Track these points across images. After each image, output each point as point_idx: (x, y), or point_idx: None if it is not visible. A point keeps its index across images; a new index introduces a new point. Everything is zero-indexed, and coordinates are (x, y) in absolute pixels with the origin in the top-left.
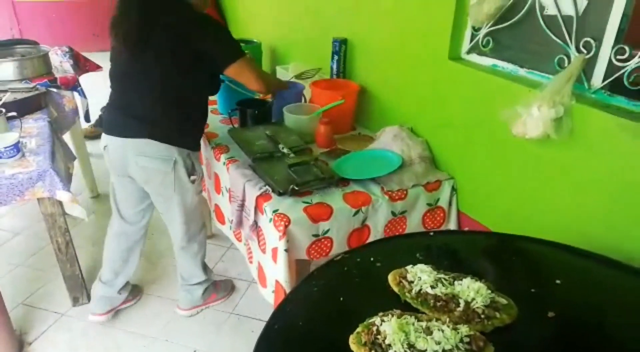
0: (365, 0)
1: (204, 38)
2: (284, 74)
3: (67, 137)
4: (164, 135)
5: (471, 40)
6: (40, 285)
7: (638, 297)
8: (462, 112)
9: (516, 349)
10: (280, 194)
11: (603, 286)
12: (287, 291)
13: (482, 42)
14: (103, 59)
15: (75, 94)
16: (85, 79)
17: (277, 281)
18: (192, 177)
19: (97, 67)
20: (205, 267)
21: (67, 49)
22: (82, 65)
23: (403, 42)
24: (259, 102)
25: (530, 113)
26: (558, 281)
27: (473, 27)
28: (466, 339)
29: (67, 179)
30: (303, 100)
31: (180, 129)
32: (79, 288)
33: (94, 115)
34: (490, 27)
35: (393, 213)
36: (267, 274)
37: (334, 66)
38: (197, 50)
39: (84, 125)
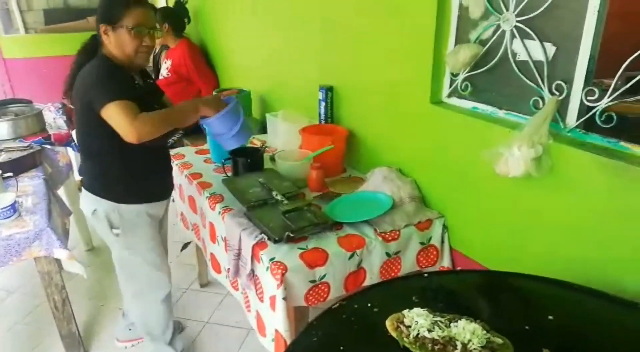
0: (350, 50)
1: (89, 86)
2: (274, 121)
3: (61, 191)
4: (88, 185)
5: (450, 85)
6: (37, 343)
7: (629, 328)
8: (447, 152)
9: None
10: (276, 242)
11: (594, 319)
12: (287, 340)
13: (460, 86)
14: None
15: (69, 149)
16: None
17: (276, 330)
18: (115, 231)
19: None
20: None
21: (59, 105)
22: (74, 120)
23: (386, 89)
24: (252, 150)
25: (511, 153)
26: (550, 317)
27: (451, 73)
28: None
29: (64, 236)
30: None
31: (102, 182)
32: (77, 346)
33: None
34: (467, 73)
35: (387, 254)
36: (266, 323)
37: (322, 112)
38: (89, 100)
39: (77, 177)
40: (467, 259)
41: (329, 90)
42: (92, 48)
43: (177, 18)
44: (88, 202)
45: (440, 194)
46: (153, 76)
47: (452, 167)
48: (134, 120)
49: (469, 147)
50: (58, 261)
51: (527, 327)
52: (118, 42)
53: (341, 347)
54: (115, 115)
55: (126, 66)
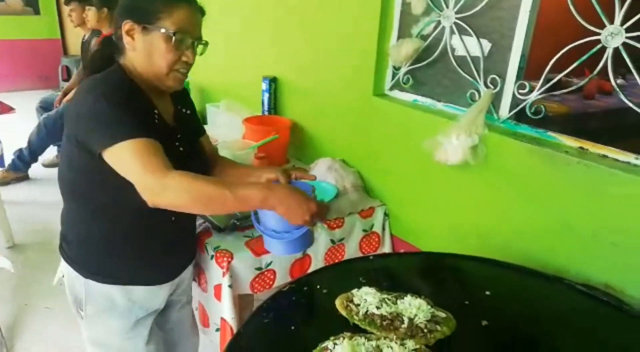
0: (294, 42)
1: (86, 117)
2: (215, 112)
3: None
4: (60, 237)
5: (393, 78)
6: None
7: (554, 302)
8: (389, 143)
9: None
10: (220, 230)
11: (526, 293)
12: (234, 327)
13: (402, 79)
14: (14, 99)
15: None
16: None
17: (222, 319)
18: (81, 312)
19: (9, 109)
20: None
21: None
22: None
23: (330, 80)
24: None
25: (450, 142)
26: (487, 293)
27: (394, 67)
28: None
29: None
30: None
31: (69, 239)
32: (0, 348)
33: (8, 160)
34: (409, 66)
35: (332, 241)
36: (210, 313)
37: (265, 103)
38: (81, 136)
39: None
40: (407, 244)
41: (272, 81)
42: (109, 53)
43: (117, 3)
44: (61, 263)
45: (382, 183)
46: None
47: (394, 157)
48: (162, 176)
49: (410, 138)
50: None
51: (467, 303)
52: (148, 51)
53: (292, 327)
54: (131, 161)
55: (149, 88)
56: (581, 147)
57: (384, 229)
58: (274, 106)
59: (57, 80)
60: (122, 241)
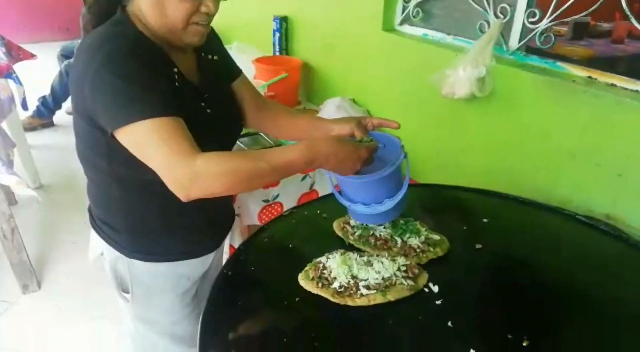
0: None
1: (91, 81)
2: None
3: (4, 126)
4: (92, 215)
5: (403, 12)
6: None
7: (552, 230)
8: (398, 80)
9: (448, 275)
10: None
11: (524, 221)
12: None
13: (412, 13)
14: (34, 51)
15: (10, 81)
16: (20, 68)
17: (230, 246)
18: (125, 294)
19: (31, 56)
20: None
21: None
22: (15, 54)
23: (339, 17)
24: None
25: (457, 74)
26: (485, 220)
27: (404, 0)
28: (403, 268)
29: (8, 165)
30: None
31: (107, 221)
32: (29, 275)
33: (32, 105)
34: None
35: None
36: None
37: (276, 43)
38: (90, 108)
39: (22, 116)
40: (412, 181)
41: (283, 20)
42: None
43: None
44: (95, 237)
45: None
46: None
47: (402, 94)
48: (190, 164)
49: (418, 73)
50: (4, 187)
51: (464, 228)
52: (158, 2)
53: (290, 246)
54: (149, 147)
55: (164, 40)
56: (589, 77)
57: None
58: (285, 47)
59: (77, 32)
60: (169, 220)
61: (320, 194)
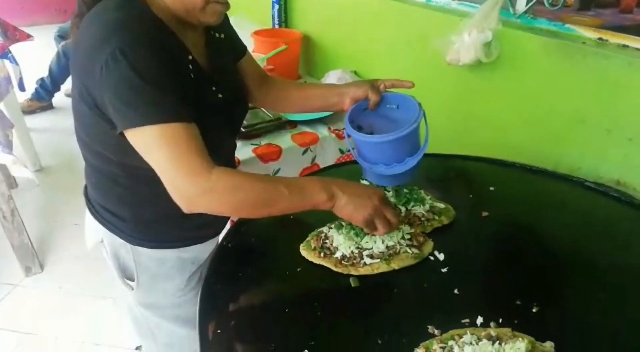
0: None
1: (98, 70)
2: None
3: (2, 108)
4: (91, 201)
5: None
6: None
7: (559, 197)
8: (401, 49)
9: (453, 243)
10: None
11: (531, 189)
12: None
13: None
14: (31, 33)
15: (6, 61)
16: (16, 51)
17: (231, 221)
18: (130, 282)
19: (27, 37)
20: None
21: None
22: (11, 34)
23: None
24: None
25: (462, 40)
26: (492, 188)
27: None
28: (407, 237)
29: (7, 145)
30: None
31: (108, 207)
32: (30, 257)
33: (30, 88)
34: None
35: (341, 151)
36: None
37: (275, 15)
38: (94, 97)
39: (21, 99)
40: None
41: None
42: None
43: None
44: (92, 224)
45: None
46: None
47: (406, 64)
48: (201, 179)
49: (422, 41)
50: (2, 169)
51: (470, 196)
52: None
53: (291, 217)
54: (158, 155)
55: (176, 21)
56: (600, 38)
57: None
58: (285, 19)
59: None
60: (170, 208)
61: (322, 167)
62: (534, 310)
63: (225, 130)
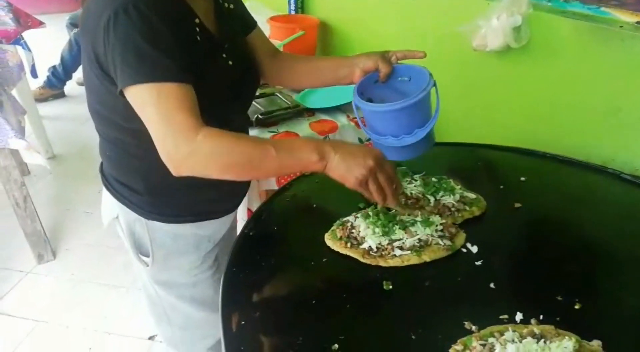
0: None
1: (96, 36)
2: None
3: (14, 94)
4: (105, 175)
5: None
6: (1, 246)
7: (594, 190)
8: (424, 34)
9: (486, 235)
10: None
11: (566, 181)
12: None
13: None
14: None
15: (19, 48)
16: (29, 38)
17: (249, 210)
18: (145, 258)
19: (40, 24)
20: None
21: (5, 4)
22: (23, 21)
23: None
24: None
25: (490, 24)
26: (523, 178)
27: None
28: (440, 228)
29: (19, 131)
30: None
31: (122, 180)
32: (43, 244)
33: (42, 76)
34: None
35: (360, 140)
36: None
37: (292, 1)
38: (101, 60)
39: (33, 86)
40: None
41: None
42: None
43: None
44: (108, 200)
45: None
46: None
47: (429, 50)
48: (188, 140)
49: (447, 26)
50: (15, 156)
51: (501, 187)
52: None
53: (314, 205)
54: (151, 112)
55: None
56: (638, 22)
57: None
58: (301, 5)
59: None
60: (185, 178)
61: None
62: (576, 307)
63: (235, 103)
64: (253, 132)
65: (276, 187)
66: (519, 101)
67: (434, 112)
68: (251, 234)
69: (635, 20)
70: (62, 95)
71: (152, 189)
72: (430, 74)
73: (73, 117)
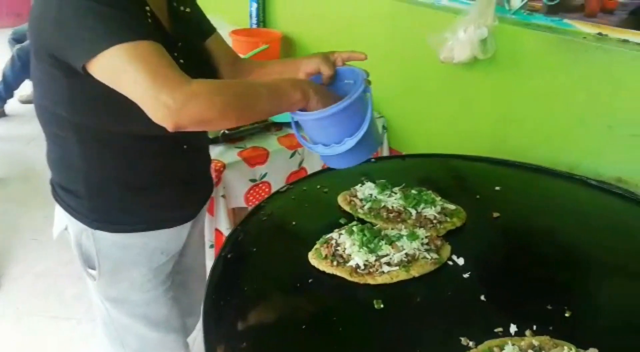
0: None
1: (45, 26)
2: None
3: None
4: (53, 184)
5: None
6: None
7: (564, 196)
8: (390, 48)
9: (470, 246)
10: (210, 142)
11: (538, 189)
12: None
13: None
14: None
15: None
16: None
17: (217, 231)
18: (92, 271)
19: None
20: None
21: None
22: None
23: None
24: None
25: (456, 37)
26: (497, 188)
27: None
28: (425, 241)
29: None
30: None
31: (69, 187)
32: None
33: None
34: None
35: None
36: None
37: (253, 14)
38: (49, 47)
39: None
40: (394, 152)
41: None
42: None
43: None
44: (58, 211)
45: (380, 94)
46: None
47: (397, 64)
48: (182, 84)
49: (412, 40)
50: None
51: (478, 197)
52: None
53: (293, 223)
54: (129, 72)
55: None
56: (600, 33)
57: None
58: (263, 19)
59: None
60: (134, 179)
61: (309, 171)
62: (566, 315)
63: None
64: (219, 148)
65: (244, 205)
66: (487, 112)
67: (366, 117)
68: (229, 256)
69: (596, 31)
70: (2, 114)
71: (93, 190)
72: (366, 79)
73: (16, 137)
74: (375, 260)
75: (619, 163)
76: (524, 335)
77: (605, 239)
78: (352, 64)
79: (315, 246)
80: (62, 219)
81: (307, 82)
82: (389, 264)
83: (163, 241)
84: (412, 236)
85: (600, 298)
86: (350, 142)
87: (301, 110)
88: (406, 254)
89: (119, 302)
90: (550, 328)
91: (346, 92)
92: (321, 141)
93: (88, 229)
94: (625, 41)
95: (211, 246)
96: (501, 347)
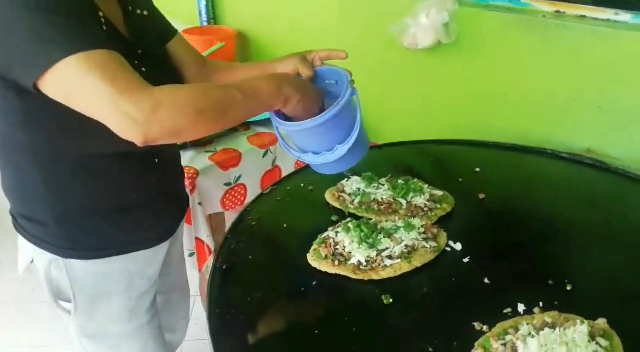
0: None
1: (3, 35)
2: None
3: None
4: (14, 216)
5: None
6: None
7: (538, 170)
8: (352, 39)
9: (464, 230)
10: (179, 148)
11: (515, 166)
12: (211, 245)
13: None
14: None
15: None
16: None
17: (197, 239)
18: (66, 304)
19: None
20: None
21: None
22: None
23: None
24: None
25: (418, 22)
26: (477, 169)
27: None
28: (421, 230)
29: None
30: None
31: (32, 216)
32: None
33: None
34: None
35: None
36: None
37: (202, 12)
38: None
39: None
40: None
41: None
42: None
43: None
44: (21, 244)
45: None
46: None
47: (359, 54)
48: (146, 93)
49: (374, 28)
50: None
51: (460, 180)
52: None
53: (285, 225)
54: (86, 84)
55: None
56: (557, 11)
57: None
58: (213, 16)
59: None
60: (103, 201)
61: (283, 169)
62: (568, 288)
63: None
64: (189, 154)
65: (221, 209)
66: (455, 95)
67: (356, 121)
68: (224, 267)
69: (554, 9)
70: None
71: (60, 217)
72: (350, 81)
73: None
74: (377, 254)
75: (587, 134)
76: (533, 313)
77: (582, 208)
78: (331, 63)
79: (313, 247)
80: (26, 251)
81: (284, 78)
82: (390, 257)
83: (141, 264)
84: (409, 227)
85: (592, 267)
86: (342, 149)
87: (281, 111)
88: (406, 245)
89: (98, 337)
90: (556, 303)
91: (332, 92)
92: (311, 149)
93: (58, 259)
94: (582, 16)
95: (190, 254)
96: (516, 329)
